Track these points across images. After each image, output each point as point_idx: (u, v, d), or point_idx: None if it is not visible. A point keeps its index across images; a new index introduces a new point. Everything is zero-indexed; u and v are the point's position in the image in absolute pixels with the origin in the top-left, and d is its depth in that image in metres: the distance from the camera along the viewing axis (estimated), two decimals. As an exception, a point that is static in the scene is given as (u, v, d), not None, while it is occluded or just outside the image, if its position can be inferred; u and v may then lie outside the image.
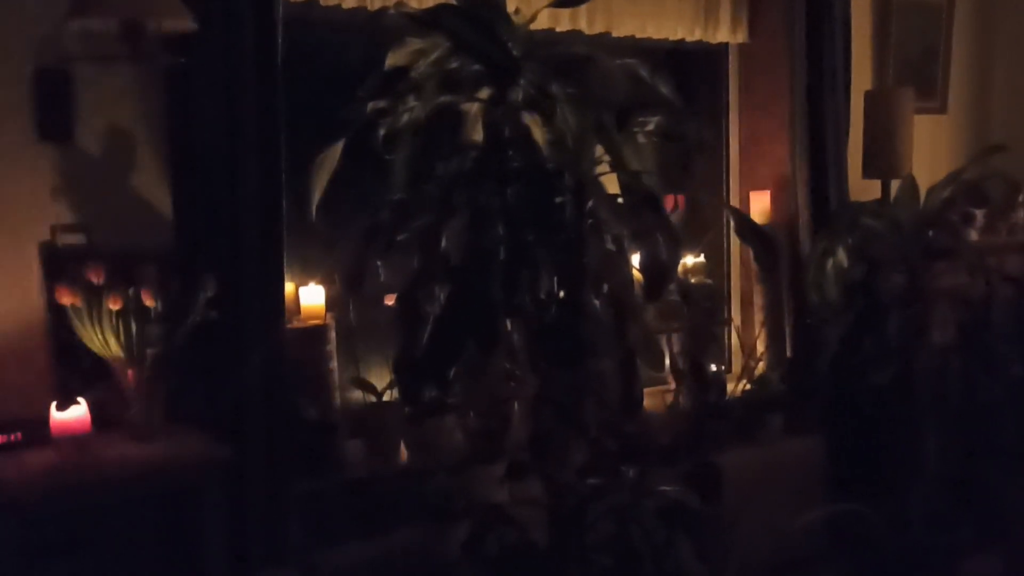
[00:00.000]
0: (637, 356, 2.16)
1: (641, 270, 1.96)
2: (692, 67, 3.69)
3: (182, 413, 2.29)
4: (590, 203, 2.11)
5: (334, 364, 2.78)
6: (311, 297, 2.77)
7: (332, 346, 2.77)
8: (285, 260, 2.51)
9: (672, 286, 2.06)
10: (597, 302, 2.16)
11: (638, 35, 3.32)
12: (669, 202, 3.69)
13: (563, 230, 2.07)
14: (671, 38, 3.41)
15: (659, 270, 1.95)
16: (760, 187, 3.65)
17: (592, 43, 3.09)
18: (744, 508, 3.02)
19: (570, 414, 2.16)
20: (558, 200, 2.10)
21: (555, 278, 2.13)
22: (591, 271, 2.12)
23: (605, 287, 2.16)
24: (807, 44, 3.42)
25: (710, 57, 3.70)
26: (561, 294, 2.11)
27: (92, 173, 2.35)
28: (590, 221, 2.13)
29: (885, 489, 3.14)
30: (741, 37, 3.59)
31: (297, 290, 2.77)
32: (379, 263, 2.33)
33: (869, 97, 3.55)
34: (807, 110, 3.45)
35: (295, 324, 2.71)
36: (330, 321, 2.78)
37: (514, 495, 2.16)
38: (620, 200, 2.16)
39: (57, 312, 2.20)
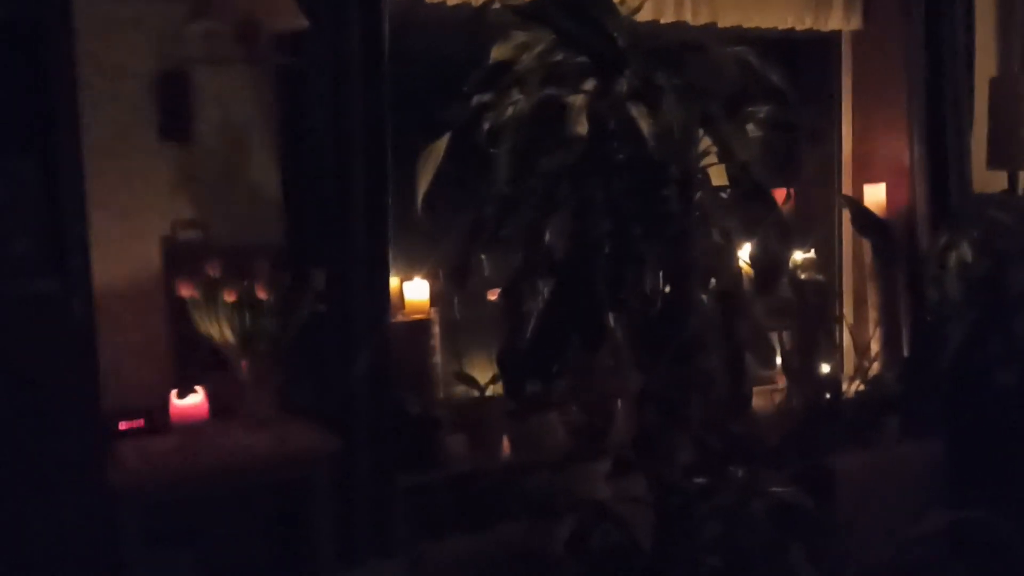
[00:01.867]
0: (746, 352, 2.10)
1: (751, 263, 1.90)
2: (802, 56, 3.57)
3: (293, 404, 2.35)
4: (697, 195, 2.05)
5: (438, 358, 2.80)
6: (415, 292, 2.80)
7: (436, 340, 2.79)
8: (390, 255, 2.54)
9: (783, 281, 1.99)
10: (704, 297, 2.11)
11: (745, 24, 3.23)
12: (781, 195, 3.60)
13: (670, 223, 2.02)
14: (780, 27, 3.31)
15: (770, 263, 1.88)
16: (875, 179, 3.51)
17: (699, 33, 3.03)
18: (858, 513, 2.90)
19: (676, 412, 2.11)
20: (664, 193, 2.05)
21: (661, 273, 2.09)
22: (698, 265, 2.07)
23: (712, 281, 2.11)
24: (926, 29, 3.27)
25: (821, 45, 3.57)
26: (667, 289, 2.06)
27: (209, 171, 2.44)
28: (697, 214, 2.07)
29: (1011, 495, 2.97)
30: (855, 24, 3.46)
31: (401, 285, 2.80)
32: (483, 258, 2.34)
33: (994, 84, 3.37)
34: (926, 98, 3.30)
35: (399, 318, 2.74)
36: (434, 315, 2.80)
37: (618, 493, 2.13)
38: (728, 192, 2.11)
39: (176, 304, 2.29)
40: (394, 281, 2.73)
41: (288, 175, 2.48)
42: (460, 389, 2.85)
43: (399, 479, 2.55)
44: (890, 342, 3.42)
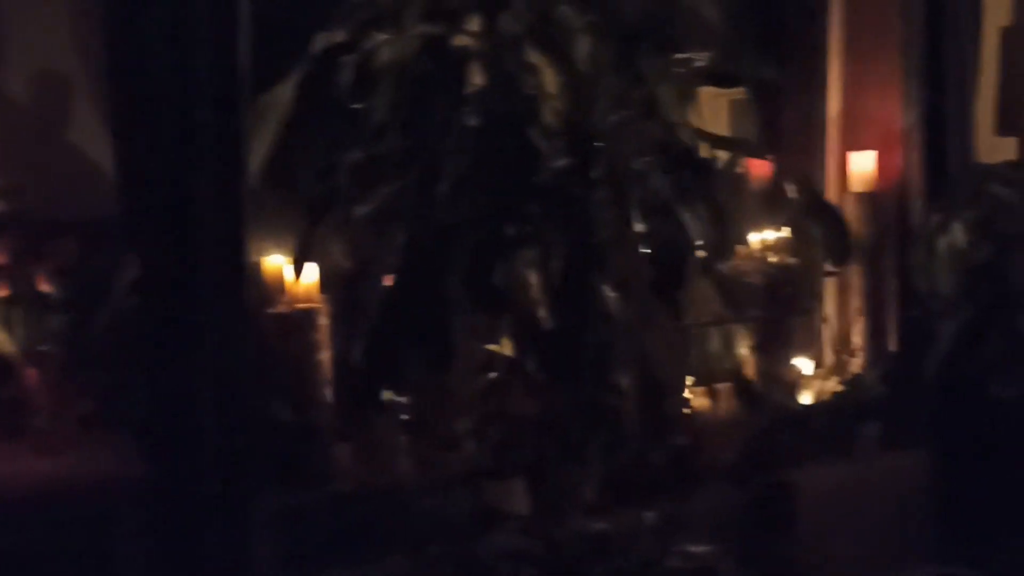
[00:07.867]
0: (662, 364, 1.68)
1: (651, 254, 1.46)
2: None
3: (110, 419, 1.93)
4: (600, 166, 1.61)
5: (325, 355, 2.38)
6: (301, 276, 2.37)
7: (323, 334, 2.37)
8: (274, 232, 2.17)
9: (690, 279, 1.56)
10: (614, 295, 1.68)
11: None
12: (758, 168, 3.20)
13: (563, 201, 1.58)
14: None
15: (673, 253, 1.44)
16: (864, 146, 3.11)
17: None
18: (820, 540, 2.51)
19: (573, 441, 1.68)
20: (561, 163, 1.61)
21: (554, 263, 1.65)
22: (603, 256, 1.63)
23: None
24: (928, -34, 2.86)
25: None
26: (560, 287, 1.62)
27: (18, 125, 2.00)
28: (601, 190, 1.63)
29: (1007, 530, 2.55)
30: (847, -41, 3.02)
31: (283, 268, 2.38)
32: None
33: (1006, 35, 3.12)
34: (926, 51, 2.96)
35: (281, 308, 2.32)
36: (323, 304, 2.37)
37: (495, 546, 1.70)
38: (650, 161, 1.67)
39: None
40: (278, 262, 2.32)
41: (120, 129, 2.04)
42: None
43: (263, 500, 2.13)
44: (874, 336, 3.02)
